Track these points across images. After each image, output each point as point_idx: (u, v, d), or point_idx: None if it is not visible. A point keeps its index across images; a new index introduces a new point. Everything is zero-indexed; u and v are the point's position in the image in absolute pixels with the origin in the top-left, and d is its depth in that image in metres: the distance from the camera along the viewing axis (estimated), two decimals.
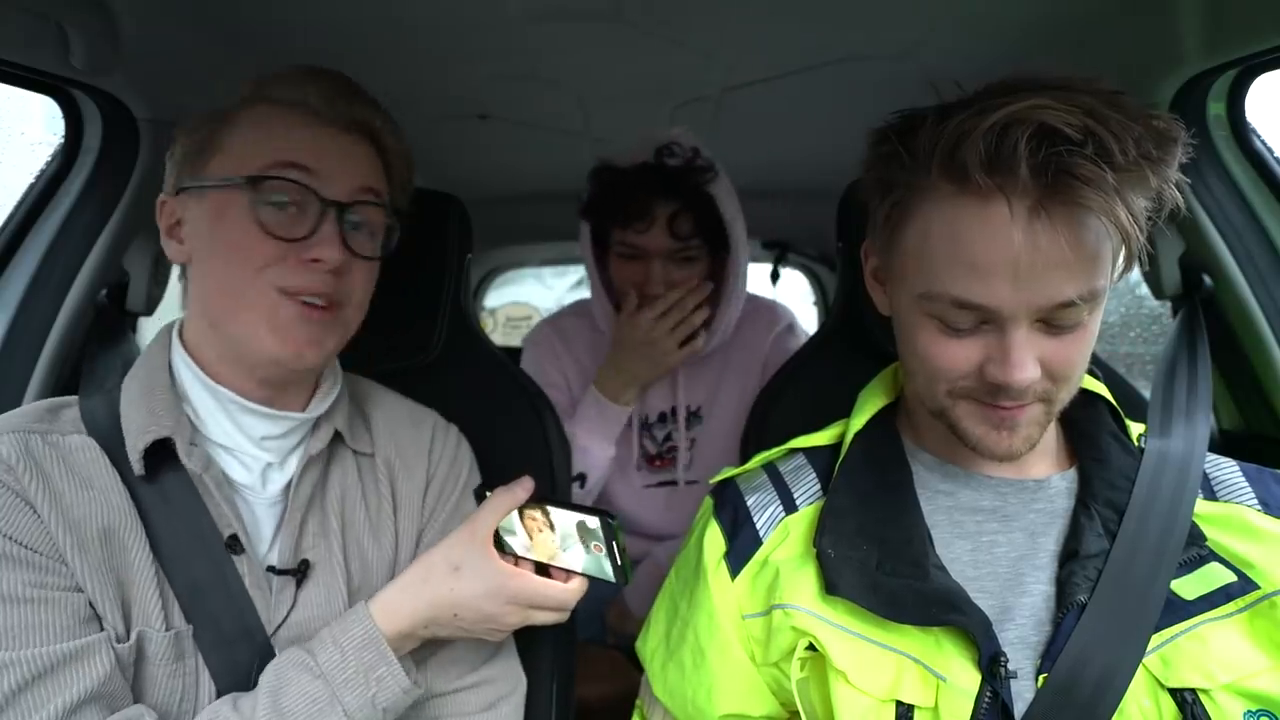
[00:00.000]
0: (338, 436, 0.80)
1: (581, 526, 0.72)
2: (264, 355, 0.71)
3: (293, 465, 0.77)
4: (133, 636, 0.66)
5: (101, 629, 0.65)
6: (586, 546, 0.72)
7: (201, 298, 0.74)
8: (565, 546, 0.74)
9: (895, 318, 0.71)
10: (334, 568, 0.77)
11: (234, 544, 0.72)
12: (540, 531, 0.74)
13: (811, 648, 0.66)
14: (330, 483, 0.80)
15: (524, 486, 0.75)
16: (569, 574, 0.75)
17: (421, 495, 0.85)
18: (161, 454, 0.70)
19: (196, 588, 0.70)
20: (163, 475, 0.71)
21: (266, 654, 0.71)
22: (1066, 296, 0.58)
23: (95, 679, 0.63)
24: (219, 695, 0.69)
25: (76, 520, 0.66)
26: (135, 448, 0.69)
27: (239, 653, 0.70)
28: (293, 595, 0.74)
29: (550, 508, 0.73)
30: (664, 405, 1.42)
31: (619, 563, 0.71)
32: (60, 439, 0.70)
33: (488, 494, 0.76)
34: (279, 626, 0.73)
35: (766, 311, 1.47)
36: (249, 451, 0.75)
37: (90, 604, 0.65)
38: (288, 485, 0.77)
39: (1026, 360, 0.60)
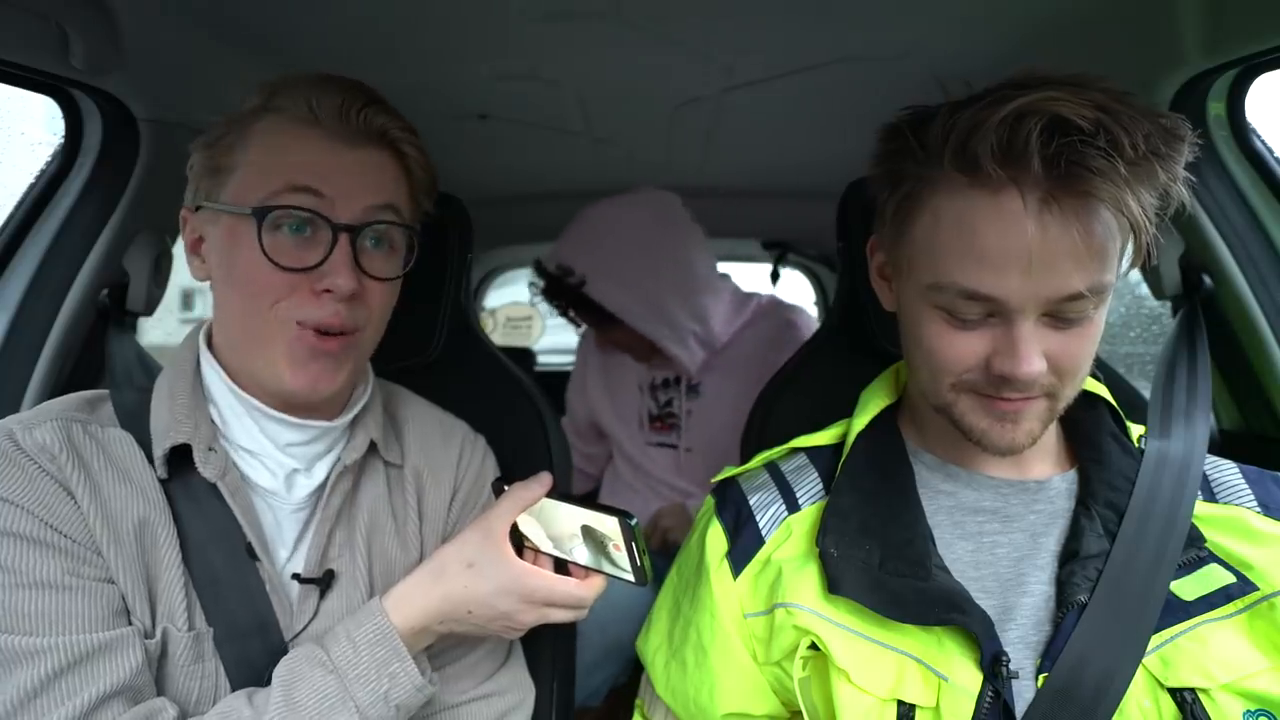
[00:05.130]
0: (370, 446, 0.80)
1: (599, 524, 0.71)
2: (280, 387, 0.71)
3: (319, 472, 0.77)
4: (158, 633, 0.67)
5: (130, 622, 0.66)
6: (605, 545, 0.71)
7: (223, 320, 0.74)
8: (582, 544, 0.73)
9: (900, 312, 0.71)
10: (357, 580, 0.76)
11: (253, 550, 0.72)
12: (557, 529, 0.74)
13: (814, 647, 0.66)
14: (361, 493, 0.79)
15: (541, 482, 0.74)
16: (587, 571, 0.74)
17: (447, 508, 0.85)
18: (185, 457, 0.71)
19: (219, 589, 0.70)
20: (190, 476, 0.71)
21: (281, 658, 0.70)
22: (1075, 288, 0.58)
23: (127, 672, 0.63)
24: None
25: (113, 512, 0.67)
26: (158, 451, 0.70)
27: (256, 657, 0.70)
28: (315, 605, 0.74)
29: (568, 505, 0.72)
30: (669, 372, 1.61)
31: (638, 563, 0.70)
32: (100, 430, 0.70)
33: (505, 488, 0.75)
34: (298, 635, 0.72)
35: (772, 319, 1.62)
36: (274, 457, 0.74)
37: (122, 597, 0.66)
38: (313, 491, 0.76)
39: (1033, 353, 0.60)
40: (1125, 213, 0.56)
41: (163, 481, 0.70)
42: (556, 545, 0.74)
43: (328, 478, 0.76)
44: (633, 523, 0.69)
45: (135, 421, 0.72)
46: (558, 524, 0.74)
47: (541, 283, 1.57)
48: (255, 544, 0.71)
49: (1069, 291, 0.59)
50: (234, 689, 0.69)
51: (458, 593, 0.71)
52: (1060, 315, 0.61)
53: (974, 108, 0.58)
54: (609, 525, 0.70)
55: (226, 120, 0.73)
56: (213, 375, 0.74)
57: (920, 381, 0.70)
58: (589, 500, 0.73)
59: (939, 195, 0.62)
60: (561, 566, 0.75)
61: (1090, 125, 0.54)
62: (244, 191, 0.69)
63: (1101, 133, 0.54)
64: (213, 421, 0.73)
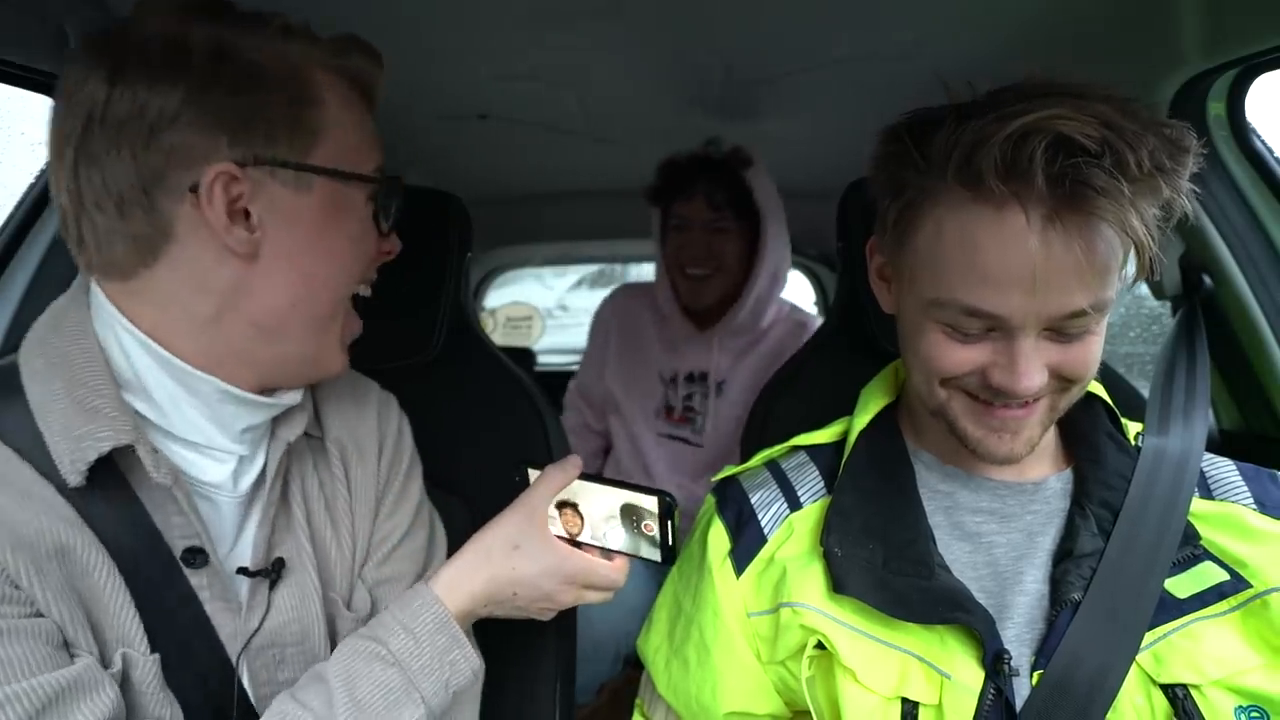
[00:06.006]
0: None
1: (632, 505, 0.71)
2: (320, 372, 0.70)
3: (260, 456, 0.68)
4: (117, 661, 0.58)
5: (72, 656, 0.57)
6: (636, 526, 0.72)
7: (266, 302, 0.62)
8: (610, 525, 0.73)
9: (900, 317, 0.71)
10: (305, 564, 0.70)
11: (194, 556, 0.63)
12: (588, 509, 0.74)
13: (820, 646, 0.66)
14: (292, 472, 0.72)
15: (574, 464, 0.74)
16: (606, 552, 0.74)
17: (375, 481, 0.77)
18: (104, 461, 0.58)
19: (162, 605, 0.61)
20: (109, 484, 0.60)
21: (231, 673, 0.64)
22: (1077, 306, 0.59)
23: (108, 705, 0.56)
24: None
25: (27, 537, 0.55)
26: (76, 456, 0.57)
27: (207, 674, 0.64)
28: (266, 598, 0.66)
29: (600, 485, 0.73)
30: (697, 367, 1.60)
31: (670, 543, 0.71)
32: None
33: (532, 472, 0.75)
34: (253, 635, 0.65)
35: (789, 323, 1.64)
36: (225, 447, 0.65)
37: (59, 629, 0.56)
38: (257, 478, 0.68)
39: (1032, 369, 0.61)
40: (1129, 231, 0.56)
41: (65, 491, 0.58)
42: (590, 527, 0.75)
43: (266, 460, 0.68)
44: (671, 501, 0.69)
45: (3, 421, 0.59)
46: (589, 504, 0.74)
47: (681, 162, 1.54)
48: (207, 548, 0.63)
49: (1071, 309, 0.59)
50: (186, 713, 0.62)
51: (504, 575, 0.70)
52: (1062, 330, 0.61)
53: (978, 121, 0.58)
54: (648, 504, 0.70)
55: (283, 57, 0.60)
56: (142, 355, 0.61)
57: (915, 384, 0.71)
58: (618, 481, 0.73)
59: (941, 207, 0.62)
60: (577, 546, 0.75)
61: (1095, 145, 0.54)
62: (345, 157, 0.63)
63: (1107, 152, 0.54)
64: (138, 414, 0.61)
